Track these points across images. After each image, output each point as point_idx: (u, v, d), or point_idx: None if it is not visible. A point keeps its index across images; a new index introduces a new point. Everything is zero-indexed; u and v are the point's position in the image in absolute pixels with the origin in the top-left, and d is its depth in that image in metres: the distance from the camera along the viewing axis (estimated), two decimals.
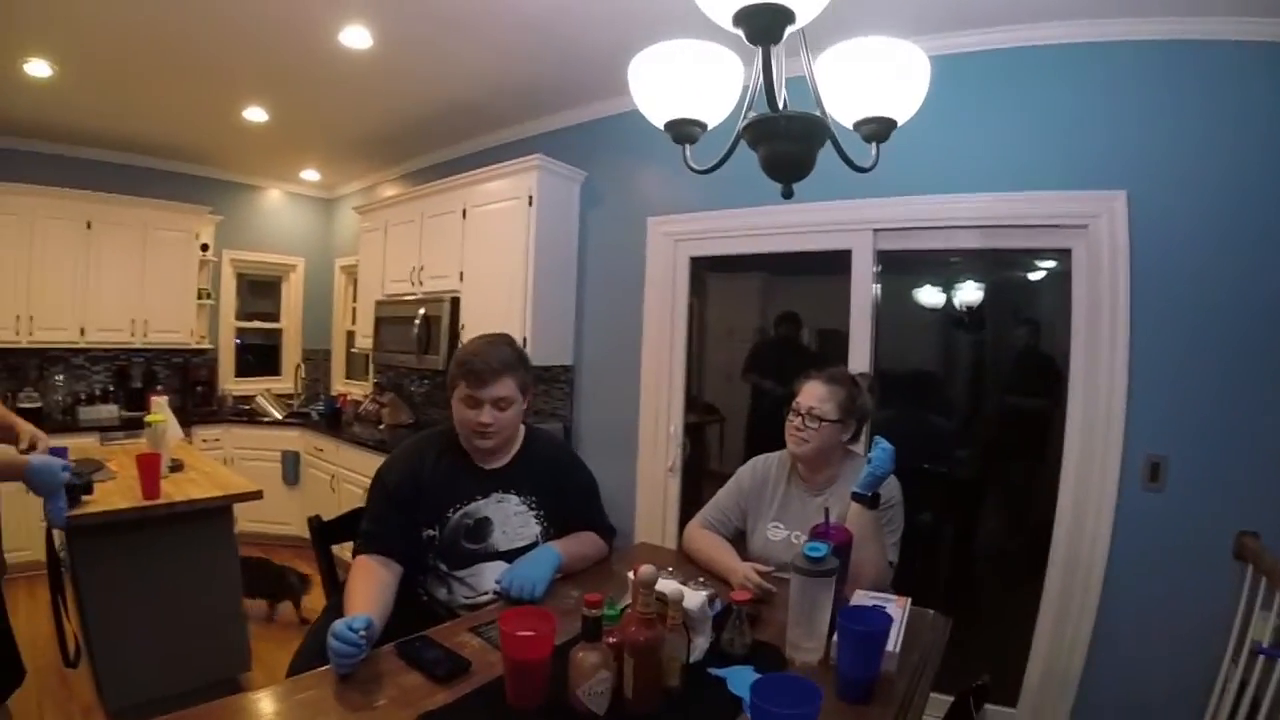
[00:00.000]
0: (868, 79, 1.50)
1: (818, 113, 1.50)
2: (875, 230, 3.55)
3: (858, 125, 1.56)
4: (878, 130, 1.54)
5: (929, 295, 3.79)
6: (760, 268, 4.31)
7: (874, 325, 3.60)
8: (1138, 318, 3.01)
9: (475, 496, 2.26)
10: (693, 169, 1.56)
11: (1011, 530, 3.79)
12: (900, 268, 3.70)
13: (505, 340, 2.34)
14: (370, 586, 2.00)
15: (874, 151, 1.59)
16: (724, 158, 1.53)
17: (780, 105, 1.41)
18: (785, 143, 1.48)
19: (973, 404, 3.88)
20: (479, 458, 2.31)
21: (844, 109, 1.56)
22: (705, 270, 4.37)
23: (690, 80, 1.48)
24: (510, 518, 2.29)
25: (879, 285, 3.62)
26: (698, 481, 4.37)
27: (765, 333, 4.40)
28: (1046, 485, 3.28)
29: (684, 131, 1.52)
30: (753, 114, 1.49)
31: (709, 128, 1.54)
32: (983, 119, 3.28)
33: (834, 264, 3.69)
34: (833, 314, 3.75)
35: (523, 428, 2.45)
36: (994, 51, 3.24)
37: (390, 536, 2.15)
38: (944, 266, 3.70)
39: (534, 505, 2.34)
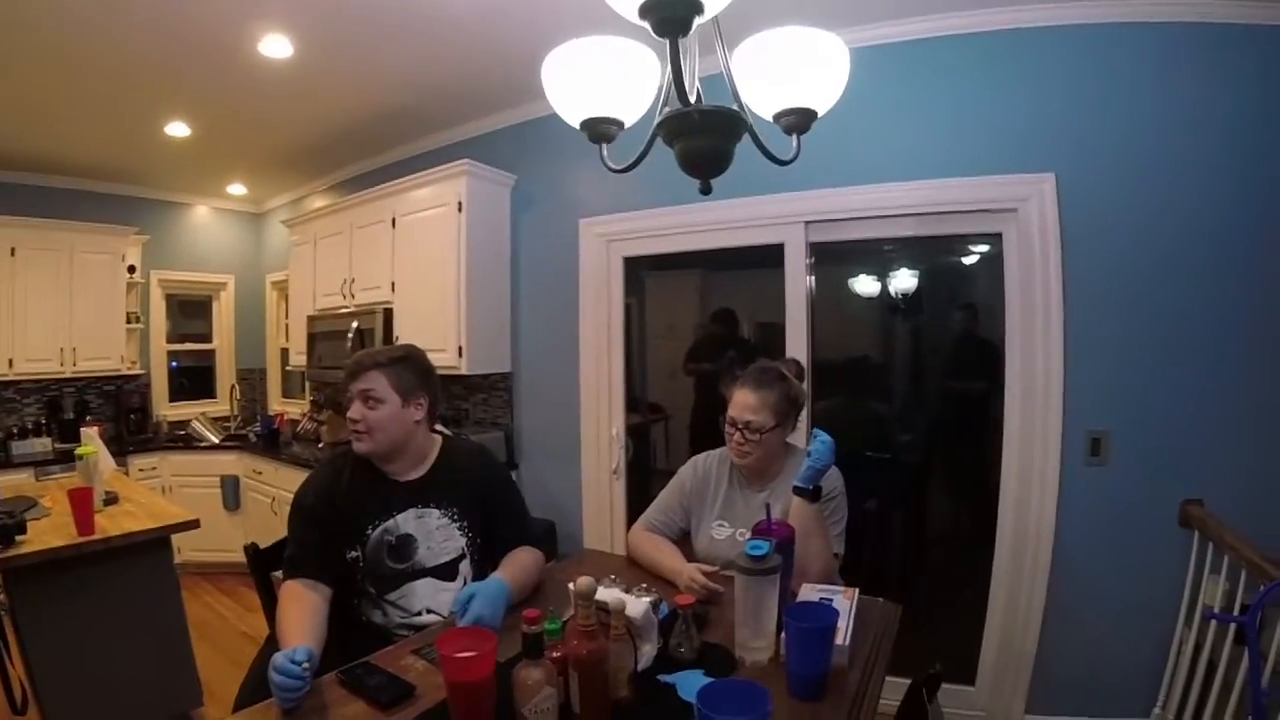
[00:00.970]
0: (785, 70, 1.48)
1: (735, 106, 1.48)
2: (807, 223, 3.56)
3: (777, 117, 1.53)
4: (797, 122, 1.51)
5: (865, 284, 3.82)
6: (697, 264, 4.29)
7: (810, 317, 3.61)
8: (1071, 297, 3.06)
9: (392, 511, 2.20)
10: (610, 168, 1.53)
11: (958, 511, 3.83)
12: (836, 258, 3.72)
13: (399, 346, 2.35)
14: (302, 613, 1.95)
15: (795, 143, 1.57)
16: (640, 156, 1.51)
17: (692, 100, 1.38)
18: (700, 138, 1.45)
19: (913, 389, 3.92)
20: (390, 469, 2.27)
21: (762, 101, 1.53)
22: (642, 269, 4.35)
23: (605, 78, 1.44)
24: (433, 532, 2.23)
25: (813, 277, 3.63)
26: (646, 481, 4.34)
27: (704, 328, 4.39)
28: (992, 465, 3.32)
29: (600, 130, 1.48)
30: (668, 110, 1.46)
31: (626, 126, 1.51)
32: (909, 108, 3.30)
33: (770, 257, 3.70)
34: (771, 307, 3.76)
35: (437, 438, 2.40)
36: (917, 41, 3.27)
37: (314, 559, 2.11)
38: (878, 255, 3.73)
39: (456, 517, 2.27)
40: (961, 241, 3.52)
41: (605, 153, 1.53)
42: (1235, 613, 2.55)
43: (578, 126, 1.50)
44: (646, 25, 1.19)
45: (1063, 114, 3.06)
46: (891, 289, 3.76)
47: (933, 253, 3.66)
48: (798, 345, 3.59)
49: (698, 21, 1.19)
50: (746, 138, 1.52)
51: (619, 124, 1.49)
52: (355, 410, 2.17)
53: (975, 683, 3.34)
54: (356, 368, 2.21)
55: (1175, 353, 2.94)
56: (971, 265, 3.63)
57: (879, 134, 3.31)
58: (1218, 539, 2.73)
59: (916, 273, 3.72)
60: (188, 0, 3.11)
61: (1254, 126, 2.85)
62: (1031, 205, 3.09)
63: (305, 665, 1.57)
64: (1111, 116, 3.00)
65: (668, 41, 1.21)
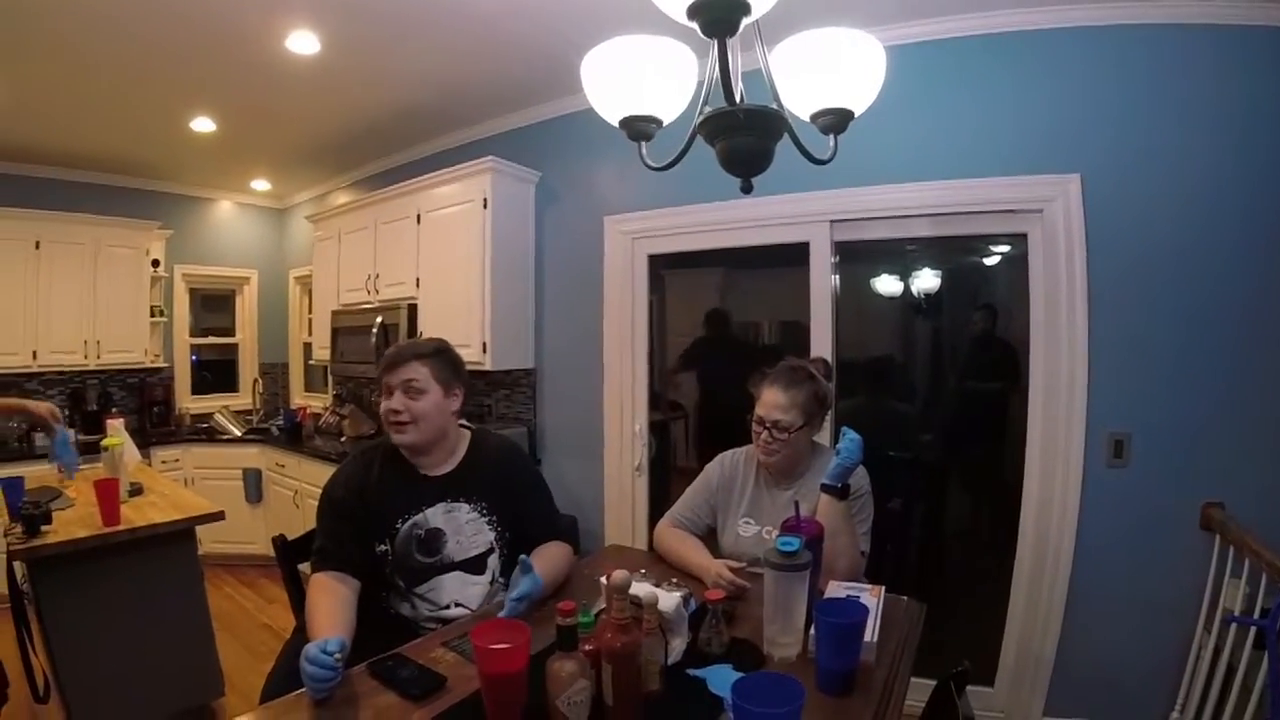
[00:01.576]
0: (824, 71, 1.49)
1: (774, 106, 1.49)
2: (832, 221, 3.56)
3: (814, 117, 1.54)
4: (835, 122, 1.53)
5: (887, 284, 3.82)
6: (719, 263, 4.29)
7: (834, 315, 3.62)
8: (1095, 298, 3.06)
9: (422, 506, 2.22)
10: (649, 166, 1.54)
11: (979, 512, 3.83)
12: (858, 257, 3.73)
13: (432, 339, 2.36)
14: (332, 605, 1.97)
15: (832, 143, 1.58)
16: (681, 154, 1.52)
17: (737, 99, 1.39)
18: (743, 136, 1.46)
19: (934, 389, 3.91)
20: (421, 463, 2.28)
21: (800, 101, 1.54)
22: (662, 267, 4.36)
23: (644, 76, 1.46)
24: (462, 526, 2.25)
25: (837, 276, 3.63)
26: (665, 479, 4.36)
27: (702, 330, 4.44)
28: (1010, 466, 3.33)
29: (639, 128, 1.50)
30: (708, 109, 1.48)
31: (664, 124, 1.52)
32: (937, 108, 3.30)
33: (792, 256, 3.70)
34: (792, 306, 3.77)
35: (466, 432, 2.42)
36: (945, 40, 3.27)
37: (343, 550, 2.12)
38: (901, 255, 3.74)
39: (485, 511, 2.29)
40: (984, 241, 3.53)
41: (644, 150, 1.54)
42: (1255, 616, 2.55)
43: (617, 124, 1.52)
44: (695, 25, 1.21)
45: (1087, 115, 3.06)
46: (914, 289, 3.76)
47: (955, 253, 3.66)
48: (822, 344, 3.60)
49: (745, 22, 1.21)
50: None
51: (658, 122, 1.50)
52: (398, 400, 2.18)
53: (994, 684, 3.34)
54: (397, 358, 2.22)
55: (1198, 355, 2.94)
56: (993, 266, 3.63)
57: (905, 133, 3.31)
58: (1238, 543, 2.72)
59: (939, 273, 3.72)
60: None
61: (1276, 128, 2.84)
62: (1057, 206, 3.08)
63: (338, 656, 1.58)
64: (1135, 118, 3.00)
65: (714, 41, 1.23)
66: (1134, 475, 3.04)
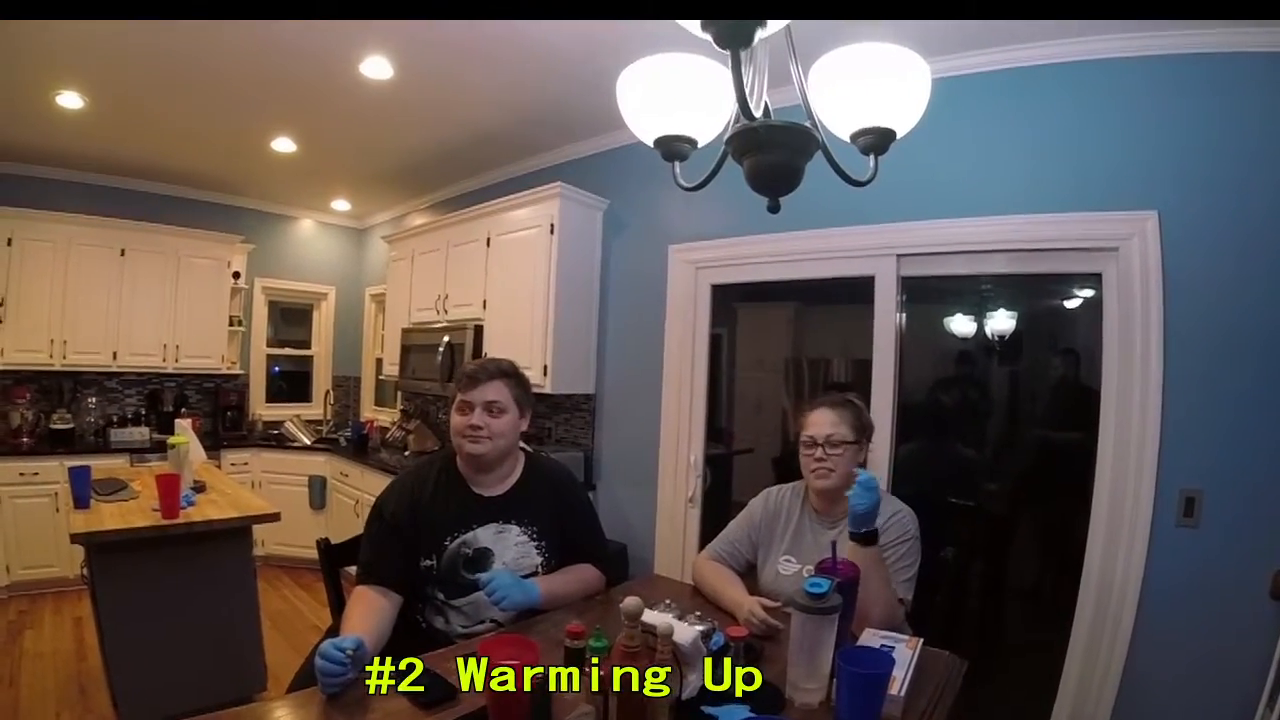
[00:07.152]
0: (861, 88, 1.44)
1: (804, 123, 1.45)
2: (898, 255, 3.46)
3: (854, 137, 1.49)
4: (875, 142, 1.46)
5: (960, 324, 3.72)
6: (791, 297, 4.24)
7: (898, 354, 3.51)
8: (1171, 344, 2.89)
9: (473, 525, 2.24)
10: (682, 186, 1.52)
11: (1042, 567, 3.67)
12: (930, 296, 3.64)
13: (504, 360, 2.38)
14: (366, 613, 2.01)
15: (872, 164, 1.52)
16: (711, 173, 1.49)
17: (758, 113, 1.36)
18: (768, 153, 1.42)
19: (1005, 436, 3.77)
20: (476, 482, 2.30)
21: (839, 119, 1.49)
22: (734, 300, 4.33)
23: (678, 95, 1.44)
24: (511, 548, 2.26)
25: (904, 314, 3.53)
26: (720, 512, 4.28)
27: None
28: (1081, 522, 3.16)
29: (673, 148, 1.47)
30: (738, 125, 1.44)
31: (700, 145, 1.49)
32: (1005, 140, 3.18)
33: (865, 292, 3.60)
34: (865, 343, 3.66)
35: (522, 455, 2.42)
36: (1013, 69, 3.15)
37: (388, 566, 2.14)
38: (975, 295, 3.63)
39: (535, 536, 2.30)
40: (1062, 282, 3.40)
41: (679, 171, 1.51)
42: None
43: (651, 144, 1.50)
44: (708, 37, 1.19)
45: (1162, 148, 2.91)
46: (988, 330, 3.65)
47: (1033, 294, 3.54)
48: (884, 382, 3.49)
49: (759, 35, 1.18)
50: (828, 165, 1.49)
51: (692, 142, 1.48)
52: (478, 417, 2.21)
53: None
54: (481, 374, 2.26)
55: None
56: (1073, 309, 3.49)
57: (974, 166, 3.21)
58: None
59: (1015, 314, 3.60)
60: (293, 23, 3.23)
61: None
62: (1133, 245, 2.94)
63: (350, 652, 1.61)
64: (1215, 151, 2.82)
65: (727, 52, 1.19)
66: (1204, 536, 2.85)
